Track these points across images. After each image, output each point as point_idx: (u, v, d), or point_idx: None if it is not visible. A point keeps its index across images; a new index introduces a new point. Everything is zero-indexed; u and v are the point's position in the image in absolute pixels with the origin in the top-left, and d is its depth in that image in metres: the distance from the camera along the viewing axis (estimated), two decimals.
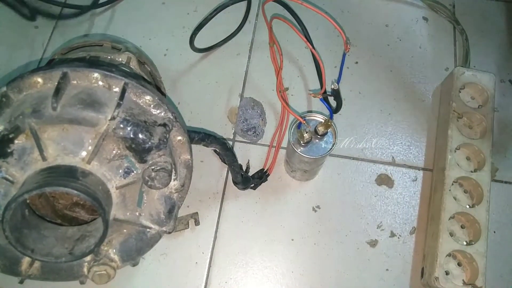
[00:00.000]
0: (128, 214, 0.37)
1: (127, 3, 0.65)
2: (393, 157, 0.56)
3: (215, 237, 0.51)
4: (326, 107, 0.50)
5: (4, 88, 0.32)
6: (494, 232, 0.52)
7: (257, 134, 0.56)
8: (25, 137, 0.32)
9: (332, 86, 0.46)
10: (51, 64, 0.47)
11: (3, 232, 0.31)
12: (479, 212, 0.48)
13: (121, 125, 0.33)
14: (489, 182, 0.49)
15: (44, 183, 0.30)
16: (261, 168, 0.55)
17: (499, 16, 0.66)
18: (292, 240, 0.51)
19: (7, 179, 0.32)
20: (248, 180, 0.51)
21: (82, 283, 0.41)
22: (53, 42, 0.63)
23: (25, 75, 0.33)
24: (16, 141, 0.32)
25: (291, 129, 0.46)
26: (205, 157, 0.55)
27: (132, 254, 0.41)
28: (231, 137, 0.57)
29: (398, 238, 0.52)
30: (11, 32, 0.63)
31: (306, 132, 0.44)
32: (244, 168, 0.55)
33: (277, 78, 0.58)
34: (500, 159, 0.56)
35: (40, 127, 0.32)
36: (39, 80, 0.33)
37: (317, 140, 0.46)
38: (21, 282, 0.40)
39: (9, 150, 0.32)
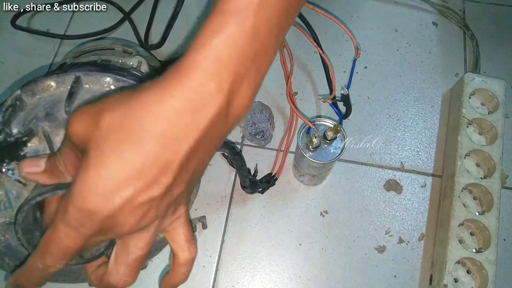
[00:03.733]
0: None
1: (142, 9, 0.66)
2: (401, 163, 0.56)
3: (223, 241, 0.51)
4: (335, 112, 0.50)
5: (18, 92, 0.33)
6: (504, 239, 0.51)
7: (265, 138, 0.56)
8: (38, 140, 0.32)
9: (342, 91, 0.46)
10: (63, 67, 0.47)
11: (15, 234, 0.31)
12: (489, 219, 0.48)
13: None
14: (499, 189, 0.49)
15: (56, 186, 0.30)
16: (269, 172, 0.55)
17: (510, 22, 0.65)
18: (300, 244, 0.51)
19: (19, 181, 0.32)
20: (256, 184, 0.51)
21: (91, 285, 0.41)
22: (64, 46, 0.64)
23: (39, 79, 0.33)
24: (29, 144, 0.32)
25: (300, 134, 0.46)
26: (214, 160, 0.55)
27: None
28: (240, 141, 0.57)
29: (407, 244, 0.51)
30: (22, 35, 0.64)
31: (315, 137, 0.44)
32: (252, 172, 0.55)
33: (286, 83, 0.58)
34: (511, 166, 0.55)
35: (53, 130, 0.32)
36: (53, 83, 0.34)
37: (326, 145, 0.46)
38: None
39: (22, 153, 0.32)
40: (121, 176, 0.23)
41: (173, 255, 0.30)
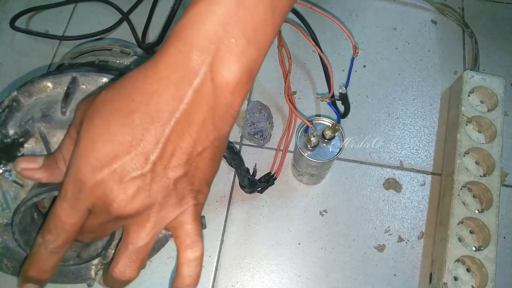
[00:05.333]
0: None
1: (140, 10, 0.66)
2: (401, 161, 0.56)
3: (222, 241, 0.51)
4: (334, 111, 0.50)
5: (15, 93, 0.33)
6: (504, 237, 0.51)
7: (264, 137, 0.56)
8: (35, 141, 0.32)
9: (340, 90, 0.46)
10: (61, 68, 0.47)
11: (12, 235, 0.31)
12: (488, 217, 0.48)
13: None
14: (499, 187, 0.49)
15: (53, 186, 0.30)
16: (268, 171, 0.55)
17: (509, 19, 0.65)
18: (299, 244, 0.51)
19: (16, 182, 0.32)
20: (255, 183, 0.51)
21: (89, 286, 0.41)
22: (63, 46, 0.64)
23: (35, 80, 0.33)
24: (26, 145, 0.32)
25: (298, 133, 0.46)
26: None
27: None
28: (238, 141, 0.57)
29: (406, 243, 0.51)
30: (21, 36, 0.64)
31: (313, 136, 0.44)
32: (251, 171, 0.55)
33: (285, 82, 0.58)
34: (510, 164, 0.55)
35: (50, 131, 0.32)
36: (49, 84, 0.33)
37: (324, 144, 0.45)
38: None
39: (19, 154, 0.32)
40: (109, 148, 0.23)
41: (177, 254, 0.28)
